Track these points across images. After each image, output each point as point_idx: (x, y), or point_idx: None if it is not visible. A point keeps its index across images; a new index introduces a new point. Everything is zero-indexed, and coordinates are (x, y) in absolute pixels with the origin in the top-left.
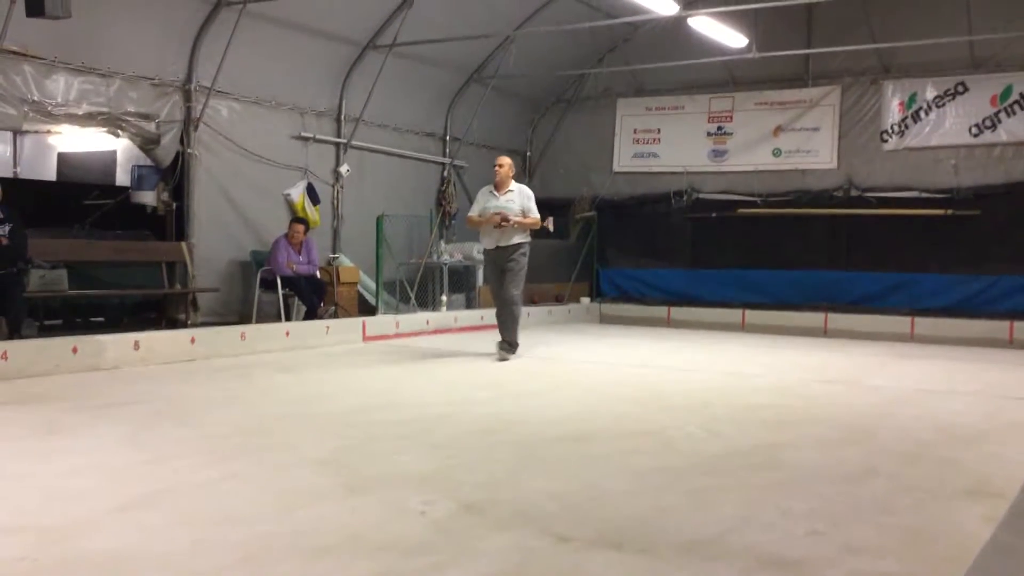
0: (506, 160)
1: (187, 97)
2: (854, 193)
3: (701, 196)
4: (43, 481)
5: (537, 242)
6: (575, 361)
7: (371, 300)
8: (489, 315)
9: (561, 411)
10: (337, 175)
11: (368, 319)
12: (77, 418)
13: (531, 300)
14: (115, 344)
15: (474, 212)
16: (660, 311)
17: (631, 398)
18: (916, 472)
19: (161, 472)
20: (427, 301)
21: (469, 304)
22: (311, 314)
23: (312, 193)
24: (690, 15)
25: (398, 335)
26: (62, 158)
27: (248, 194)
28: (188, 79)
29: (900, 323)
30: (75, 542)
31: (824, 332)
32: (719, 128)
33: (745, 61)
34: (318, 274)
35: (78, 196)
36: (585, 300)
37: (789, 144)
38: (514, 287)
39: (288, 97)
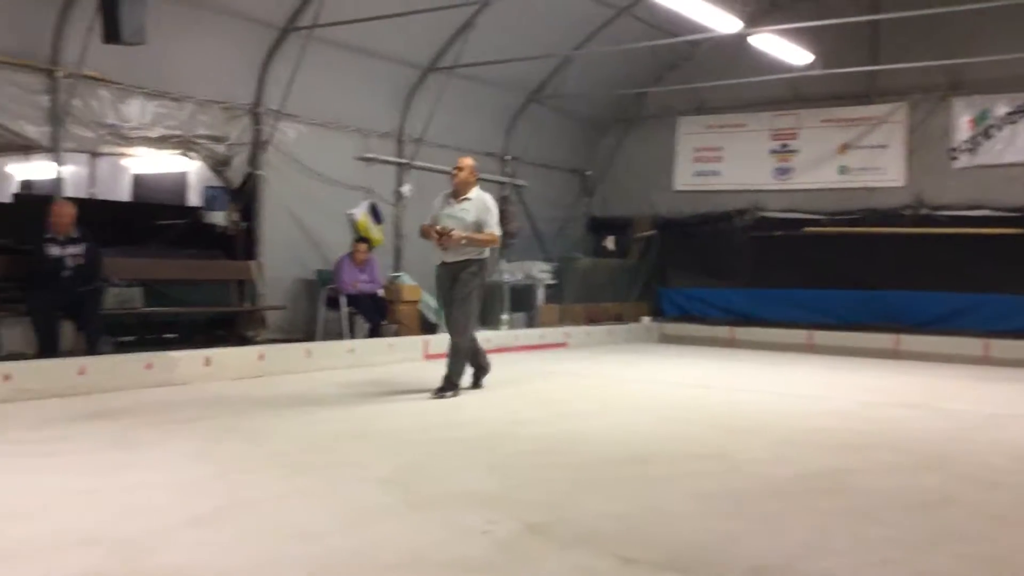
0: (466, 162)
1: (256, 120)
2: (923, 212)
3: (764, 214)
4: (115, 495)
5: (597, 261)
6: (635, 381)
7: (432, 318)
8: (550, 334)
9: (622, 432)
10: (399, 195)
11: (429, 337)
12: (149, 433)
13: (590, 319)
14: (187, 360)
15: (427, 221)
16: (723, 331)
17: (693, 419)
18: (995, 500)
19: (229, 487)
20: (488, 320)
21: (530, 323)
22: (374, 332)
23: (375, 213)
24: (753, 32)
25: None
26: (137, 179)
27: (313, 214)
28: (257, 102)
29: (973, 345)
30: (145, 557)
31: (894, 354)
32: (783, 146)
33: (809, 78)
34: (381, 292)
35: (152, 216)
36: (645, 319)
37: (856, 162)
38: (460, 313)
39: (352, 119)
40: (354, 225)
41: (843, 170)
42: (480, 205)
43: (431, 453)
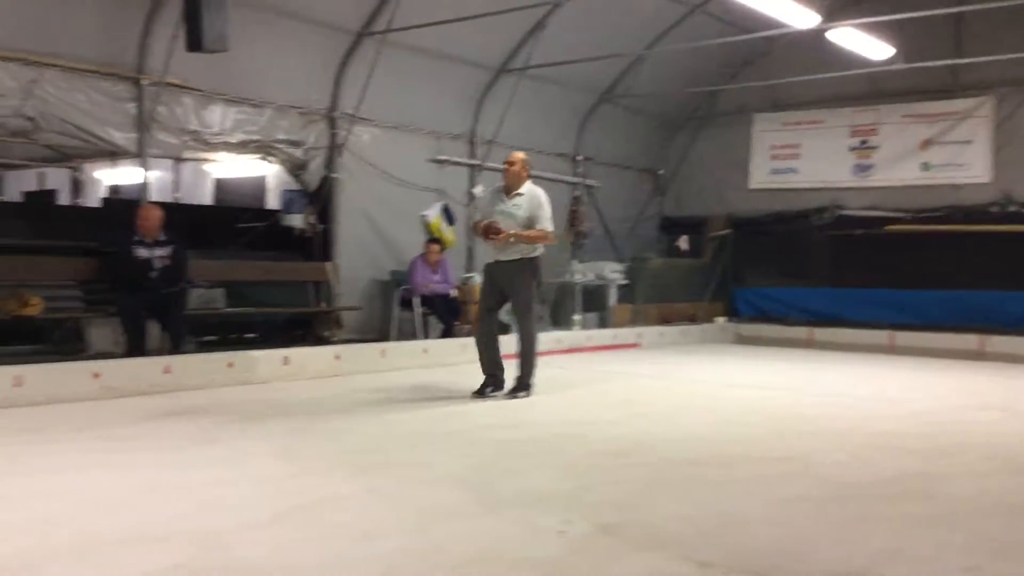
0: (518, 156)
1: (332, 124)
2: (1012, 208)
3: (844, 212)
4: (197, 490)
5: (670, 261)
6: (709, 382)
7: (504, 319)
8: (623, 334)
9: (695, 434)
10: (471, 196)
11: (502, 337)
12: (230, 430)
13: (663, 320)
14: (266, 360)
15: (477, 216)
16: (800, 332)
17: (770, 422)
18: None
19: (305, 485)
20: (560, 320)
21: (602, 323)
22: (447, 332)
23: (448, 214)
24: (831, 27)
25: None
26: (218, 184)
27: (387, 216)
28: (333, 107)
29: None
30: (225, 551)
31: (979, 355)
32: (863, 142)
33: (889, 72)
34: (454, 293)
35: (232, 219)
36: (720, 320)
37: (939, 158)
38: (523, 317)
39: (425, 121)
40: (427, 226)
41: (926, 167)
42: (532, 201)
43: (503, 453)
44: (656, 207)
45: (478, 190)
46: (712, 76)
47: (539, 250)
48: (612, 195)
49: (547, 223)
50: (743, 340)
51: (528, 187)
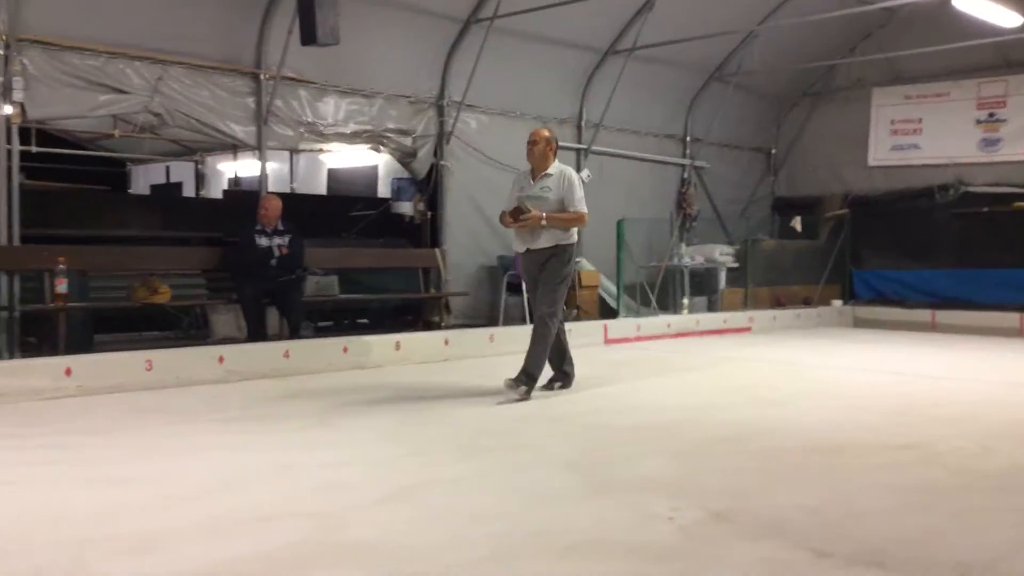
0: (542, 133)
1: (440, 112)
2: None
3: (969, 189)
4: (313, 471)
5: (783, 243)
6: (825, 367)
7: (612, 303)
8: (733, 318)
9: (811, 420)
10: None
11: (609, 322)
12: (345, 413)
13: (778, 302)
14: (379, 345)
15: (507, 205)
16: (923, 315)
17: (888, 408)
18: None
19: (416, 467)
20: (668, 304)
21: (711, 307)
22: None
23: None
24: None
25: (639, 338)
26: (331, 173)
27: (495, 202)
28: (441, 95)
29: None
30: (340, 531)
31: None
32: (990, 115)
33: (1018, 42)
34: None
35: (346, 208)
36: (837, 303)
37: None
38: (546, 302)
39: (531, 106)
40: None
41: None
42: (562, 181)
43: (612, 438)
44: (768, 187)
45: (585, 174)
46: (828, 50)
47: (573, 236)
48: (722, 176)
49: (580, 204)
50: (861, 323)
51: (556, 167)
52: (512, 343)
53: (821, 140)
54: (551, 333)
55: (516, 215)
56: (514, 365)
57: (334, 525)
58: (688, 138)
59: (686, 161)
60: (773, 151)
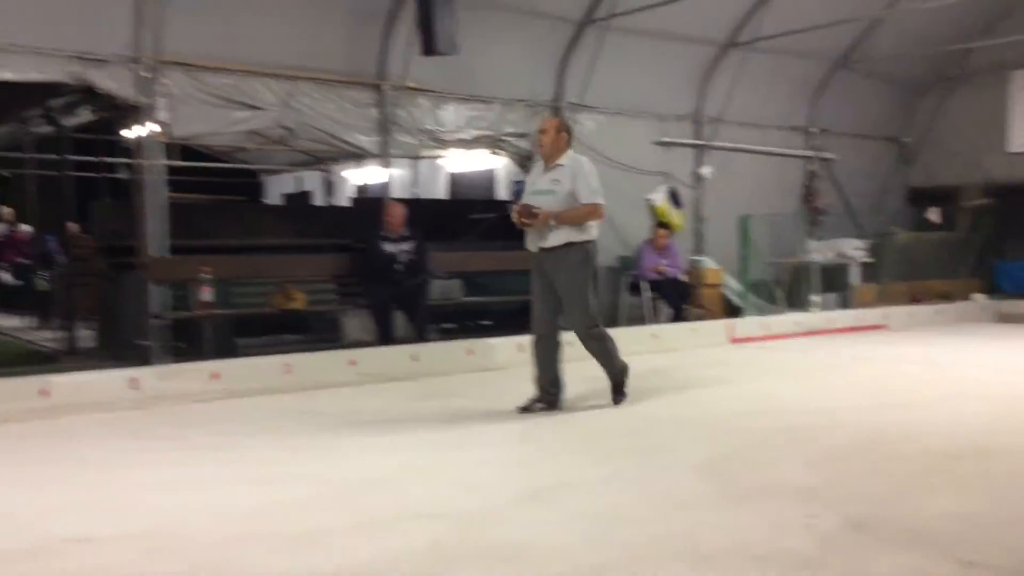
0: (551, 123)
1: (557, 114)
2: None
3: None
4: (452, 471)
5: (919, 235)
6: (968, 366)
7: (736, 302)
8: (867, 315)
9: (954, 423)
10: (698, 177)
11: (734, 321)
12: (475, 415)
13: (913, 299)
14: (503, 347)
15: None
16: None
17: None
18: None
19: (551, 468)
20: (797, 302)
21: (843, 304)
22: (677, 316)
23: (675, 197)
24: None
25: (765, 337)
26: (452, 178)
27: (613, 202)
28: (557, 97)
29: None
30: (481, 531)
31: None
32: None
33: None
34: (683, 277)
35: (466, 212)
36: (979, 297)
37: None
38: (575, 311)
39: (649, 104)
40: (654, 210)
41: None
42: (574, 171)
43: (745, 441)
44: (901, 178)
45: (706, 171)
46: (963, 32)
47: (591, 231)
48: (851, 168)
49: (593, 196)
50: (1006, 319)
51: (569, 157)
52: (634, 344)
53: (957, 127)
54: (604, 338)
55: (525, 213)
56: (638, 365)
57: (474, 525)
58: (813, 129)
59: (812, 153)
60: (906, 140)
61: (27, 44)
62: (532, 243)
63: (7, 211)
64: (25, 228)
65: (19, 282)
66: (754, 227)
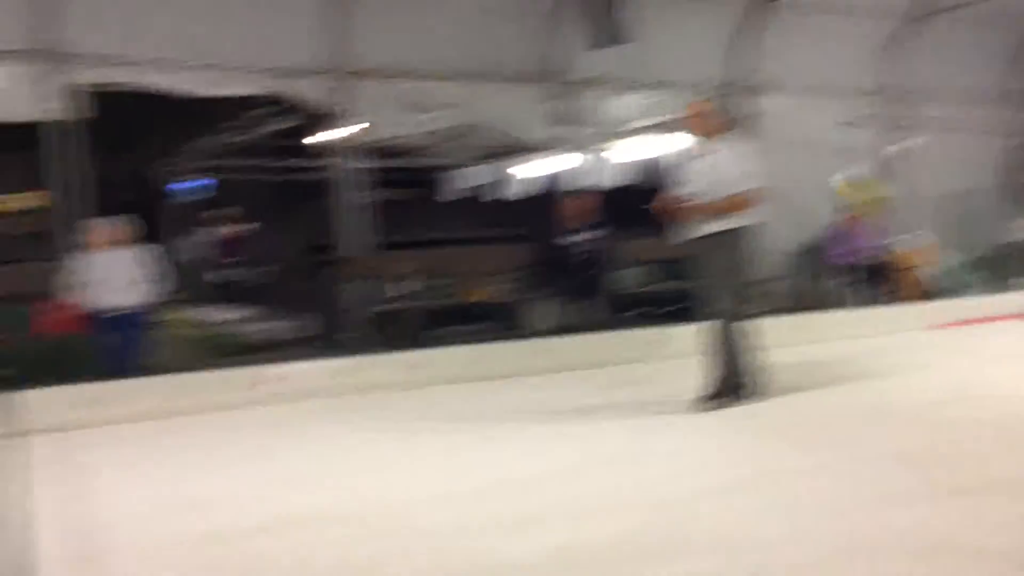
0: (700, 106)
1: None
2: None
3: None
4: (652, 459)
5: None
6: None
7: (941, 283)
8: None
9: None
10: (887, 156)
11: (938, 304)
12: (667, 404)
13: None
14: (688, 335)
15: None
16: None
17: None
18: None
19: (747, 457)
20: (1010, 283)
21: None
22: (872, 300)
23: (862, 177)
24: None
25: (972, 320)
26: (627, 166)
27: (800, 185)
28: (732, 79)
29: None
30: (682, 521)
31: None
32: None
33: None
34: (876, 260)
35: (642, 200)
36: None
37: None
38: (717, 298)
39: (832, 82)
40: (842, 192)
41: None
42: (727, 157)
43: (953, 432)
44: None
45: (898, 148)
46: None
47: (747, 218)
48: None
49: (748, 181)
50: None
51: (723, 141)
52: (827, 329)
53: None
54: (742, 335)
55: (672, 203)
56: (832, 351)
57: (674, 514)
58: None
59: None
60: None
61: (242, 63)
62: (682, 232)
63: (232, 213)
64: (243, 227)
65: (243, 278)
66: (954, 205)
